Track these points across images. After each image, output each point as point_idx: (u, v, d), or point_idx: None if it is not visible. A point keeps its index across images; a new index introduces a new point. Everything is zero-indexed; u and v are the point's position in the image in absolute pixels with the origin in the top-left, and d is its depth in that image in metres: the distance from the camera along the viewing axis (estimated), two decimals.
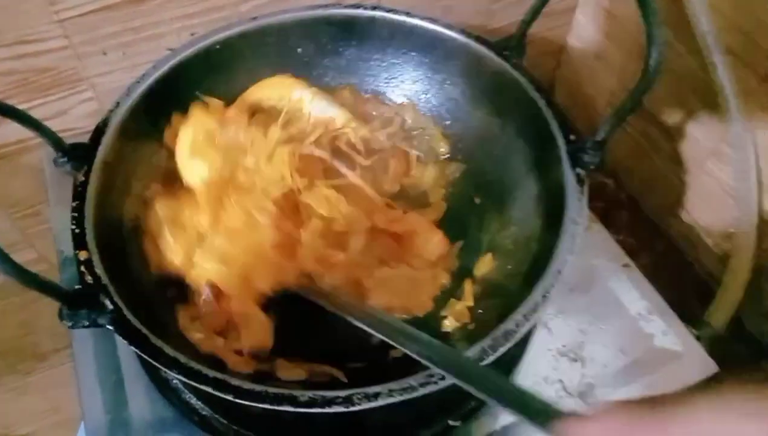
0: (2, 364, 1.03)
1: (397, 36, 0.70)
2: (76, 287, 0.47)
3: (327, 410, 0.43)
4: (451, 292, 0.61)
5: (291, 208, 0.59)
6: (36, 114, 0.53)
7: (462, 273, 0.62)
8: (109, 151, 0.56)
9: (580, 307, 0.66)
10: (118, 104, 0.59)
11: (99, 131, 0.57)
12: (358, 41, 0.71)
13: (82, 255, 0.49)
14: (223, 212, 0.56)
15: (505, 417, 0.58)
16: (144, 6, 0.70)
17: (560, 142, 0.57)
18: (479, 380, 0.42)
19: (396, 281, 0.60)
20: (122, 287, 0.48)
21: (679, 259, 0.91)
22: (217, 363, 0.49)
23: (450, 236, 0.64)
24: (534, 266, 0.53)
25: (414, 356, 0.46)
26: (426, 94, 0.72)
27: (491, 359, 0.46)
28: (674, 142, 0.85)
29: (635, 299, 0.67)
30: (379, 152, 0.68)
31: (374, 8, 0.69)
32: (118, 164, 0.57)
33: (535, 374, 0.62)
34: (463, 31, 0.67)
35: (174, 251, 0.55)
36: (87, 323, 0.45)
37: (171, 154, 0.60)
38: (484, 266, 0.62)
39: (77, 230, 0.50)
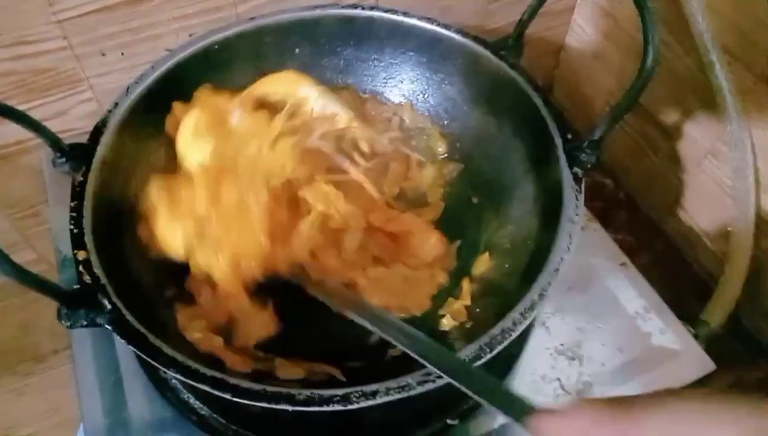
0: (2, 365, 1.04)
1: (395, 36, 0.70)
2: (75, 286, 0.47)
3: (325, 408, 0.43)
4: (449, 291, 0.61)
5: (289, 198, 0.59)
6: (35, 115, 0.54)
7: (460, 272, 0.63)
8: (108, 151, 0.56)
9: (578, 306, 0.66)
10: (116, 105, 0.59)
11: (98, 131, 0.57)
12: (356, 41, 0.71)
13: (81, 255, 0.49)
14: (220, 195, 0.56)
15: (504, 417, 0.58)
16: (142, 7, 0.70)
17: (557, 141, 0.58)
18: (454, 368, 0.43)
19: (392, 280, 0.60)
20: (120, 286, 0.48)
21: (677, 258, 0.91)
22: (216, 362, 0.49)
23: (448, 235, 0.65)
24: (531, 265, 0.54)
25: (395, 343, 0.47)
26: (424, 94, 0.73)
27: (488, 357, 0.46)
28: (672, 141, 0.86)
29: (633, 297, 0.67)
30: (381, 155, 0.68)
31: (372, 8, 0.69)
32: (116, 164, 0.57)
33: (532, 372, 0.62)
34: (460, 31, 0.67)
35: (169, 233, 0.55)
36: (85, 323, 0.45)
37: (170, 149, 0.60)
38: (482, 265, 0.62)
39: (76, 230, 0.50)
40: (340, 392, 0.43)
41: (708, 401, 0.32)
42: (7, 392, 1.08)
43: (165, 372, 0.54)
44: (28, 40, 0.67)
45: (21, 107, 0.52)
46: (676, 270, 0.90)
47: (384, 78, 0.73)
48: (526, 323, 0.47)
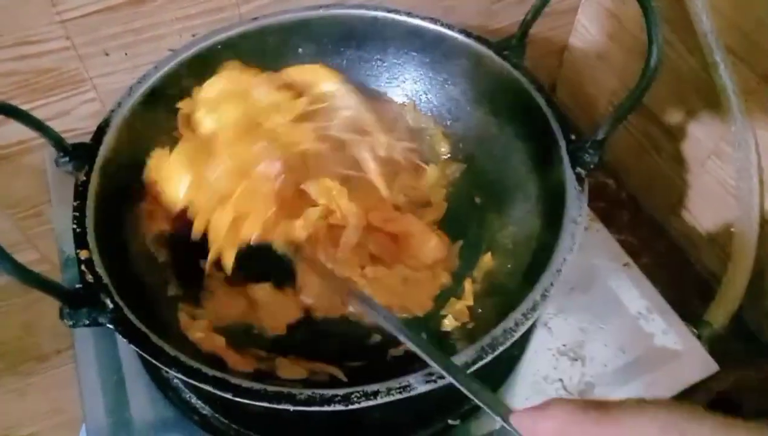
0: (4, 365, 1.04)
1: (398, 36, 0.70)
2: (77, 286, 0.47)
3: (326, 408, 0.43)
4: (451, 291, 0.61)
5: (301, 175, 0.59)
6: (38, 115, 0.54)
7: (462, 272, 0.62)
8: (111, 151, 0.57)
9: (581, 306, 0.66)
10: (120, 104, 0.59)
11: (101, 131, 0.57)
12: (359, 41, 0.71)
13: (83, 254, 0.49)
14: (236, 154, 0.56)
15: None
16: (145, 7, 0.70)
17: (560, 141, 0.57)
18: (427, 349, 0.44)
19: (392, 280, 0.60)
20: (123, 286, 0.48)
21: (680, 258, 0.91)
22: (218, 362, 0.49)
23: (450, 235, 0.65)
24: (534, 265, 0.53)
25: (385, 326, 0.48)
26: (427, 94, 0.73)
27: (490, 357, 0.46)
28: (675, 141, 0.85)
29: (635, 298, 0.67)
30: (394, 163, 0.67)
31: (376, 8, 0.69)
32: (119, 164, 0.57)
33: (535, 373, 0.62)
34: (464, 32, 0.67)
35: (177, 176, 0.55)
36: (87, 322, 0.45)
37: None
38: (484, 265, 0.62)
39: (78, 230, 0.50)
40: (341, 392, 0.43)
41: (685, 411, 0.32)
42: (9, 391, 1.08)
43: (167, 372, 0.54)
44: (31, 40, 0.67)
45: (24, 107, 0.52)
46: (678, 270, 0.89)
47: (387, 78, 0.73)
48: (529, 323, 0.47)
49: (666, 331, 0.64)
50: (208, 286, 0.60)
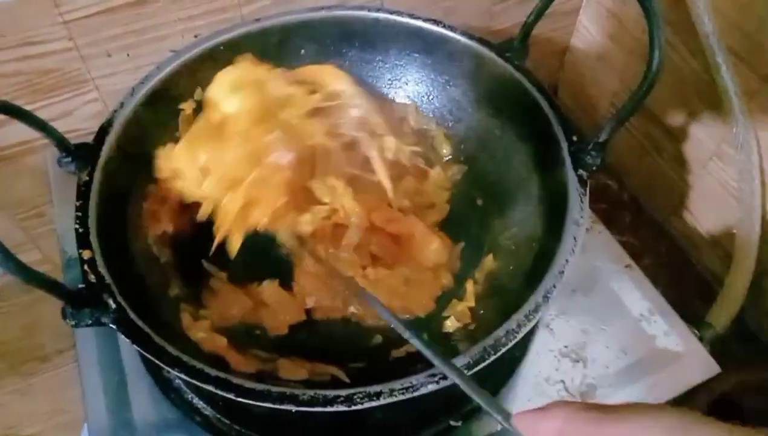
0: (5, 365, 1.04)
1: (400, 38, 0.70)
2: (80, 286, 0.47)
3: (329, 409, 0.43)
4: (453, 292, 0.61)
5: (310, 164, 0.59)
6: (40, 115, 0.54)
7: (464, 274, 0.63)
8: (114, 151, 0.57)
9: (582, 308, 0.66)
10: (122, 105, 0.59)
11: (103, 131, 0.57)
12: (361, 43, 0.71)
13: (86, 254, 0.49)
14: (250, 140, 0.55)
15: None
16: (148, 8, 0.70)
17: (562, 143, 0.58)
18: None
19: (394, 281, 0.60)
20: (125, 286, 0.49)
21: (682, 259, 0.91)
22: (220, 362, 0.49)
23: (452, 236, 0.65)
24: (536, 267, 0.54)
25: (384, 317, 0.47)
26: (429, 95, 0.73)
27: (492, 359, 0.46)
28: (677, 143, 0.85)
29: (637, 299, 0.67)
30: (400, 166, 0.67)
31: (378, 10, 0.69)
32: (122, 164, 0.57)
33: (536, 374, 0.62)
34: (466, 33, 0.67)
35: (191, 156, 0.55)
36: (90, 322, 0.45)
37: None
38: (486, 266, 0.62)
39: (81, 230, 0.51)
40: (343, 392, 0.43)
41: (687, 414, 0.32)
42: (11, 392, 1.08)
43: (169, 372, 0.54)
44: (34, 41, 0.67)
45: (27, 108, 0.52)
46: (680, 272, 0.89)
47: (389, 79, 0.73)
48: (531, 325, 0.47)
49: (668, 332, 0.64)
50: (211, 285, 0.60)
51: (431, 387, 0.44)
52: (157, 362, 0.45)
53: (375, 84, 0.73)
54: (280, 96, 0.58)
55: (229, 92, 0.56)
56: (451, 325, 0.58)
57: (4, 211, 0.81)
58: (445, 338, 0.57)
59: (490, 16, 0.92)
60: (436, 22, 0.68)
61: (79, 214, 0.52)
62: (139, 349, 0.45)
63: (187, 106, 0.64)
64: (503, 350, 0.46)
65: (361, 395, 0.43)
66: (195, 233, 0.62)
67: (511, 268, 0.60)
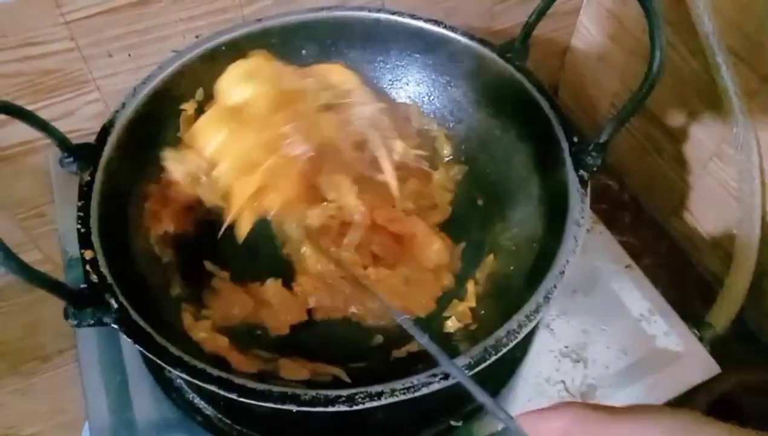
0: (6, 365, 1.04)
1: (401, 38, 0.70)
2: (82, 286, 0.47)
3: (330, 409, 0.43)
4: (454, 293, 0.61)
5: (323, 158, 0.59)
6: (42, 115, 0.53)
7: (465, 274, 0.63)
8: (115, 151, 0.57)
9: (583, 308, 0.66)
10: (124, 105, 0.59)
11: (105, 132, 0.57)
12: (362, 43, 0.71)
13: (88, 254, 0.49)
14: (268, 126, 0.55)
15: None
16: (149, 8, 0.70)
17: (563, 144, 0.58)
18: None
19: (394, 281, 0.60)
20: (127, 286, 0.49)
21: (682, 260, 0.91)
22: (221, 362, 0.49)
23: (453, 236, 0.65)
24: (536, 267, 0.54)
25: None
26: (429, 96, 0.73)
27: (493, 359, 0.46)
28: (677, 143, 0.86)
29: (637, 299, 0.67)
30: (405, 168, 0.67)
31: (379, 10, 0.69)
32: (123, 164, 0.57)
33: (537, 374, 0.62)
34: (467, 34, 0.67)
35: (211, 130, 0.55)
36: (92, 322, 0.45)
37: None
38: (487, 267, 0.62)
39: (83, 230, 0.51)
40: (345, 392, 0.43)
41: (689, 415, 0.32)
42: (12, 391, 1.08)
43: (171, 372, 0.54)
44: (36, 41, 0.67)
45: (28, 108, 0.52)
46: (680, 272, 0.90)
47: (390, 80, 0.73)
48: (532, 325, 0.47)
49: (668, 333, 0.64)
50: (213, 285, 0.60)
51: (433, 387, 0.44)
52: (159, 362, 0.45)
53: (376, 84, 0.73)
54: (292, 89, 0.58)
55: (241, 82, 0.56)
56: (451, 325, 0.58)
57: (5, 211, 0.81)
58: (446, 338, 0.57)
59: (490, 16, 0.92)
60: (437, 22, 0.68)
61: (81, 214, 0.52)
62: (140, 349, 0.45)
63: (188, 107, 0.64)
64: (504, 350, 0.46)
65: (362, 395, 0.43)
66: (197, 233, 0.62)
67: (511, 268, 0.60)
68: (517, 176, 0.64)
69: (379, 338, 0.59)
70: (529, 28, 0.64)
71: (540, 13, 0.63)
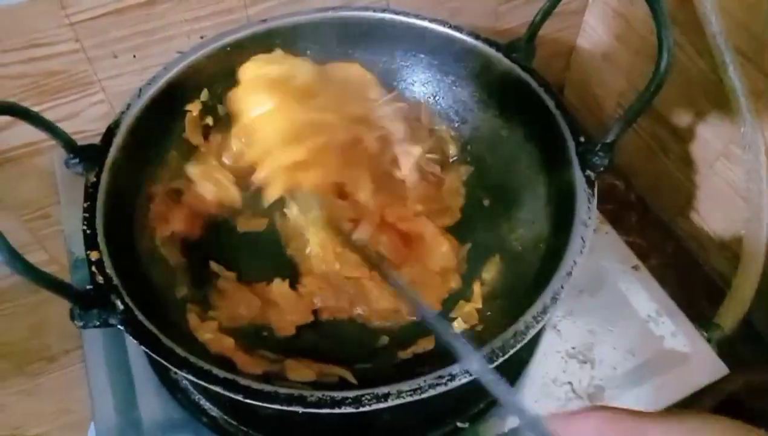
0: (12, 365, 1.04)
1: (406, 38, 0.70)
2: (88, 287, 0.47)
3: (336, 410, 0.43)
4: (460, 294, 0.61)
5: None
6: (47, 117, 0.54)
7: (471, 275, 0.62)
8: (121, 152, 0.57)
9: (590, 309, 0.66)
10: (129, 106, 0.59)
11: (110, 133, 0.57)
12: (367, 43, 0.71)
13: (93, 255, 0.49)
14: (303, 109, 0.56)
15: (514, 419, 0.58)
16: (154, 9, 0.70)
17: (570, 144, 0.57)
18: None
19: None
20: (133, 287, 0.49)
21: (689, 260, 0.90)
22: (227, 363, 0.49)
23: (459, 237, 0.64)
24: (543, 268, 0.53)
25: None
26: (435, 96, 0.73)
27: (500, 360, 0.46)
28: (684, 143, 0.85)
29: (645, 300, 0.66)
30: (420, 173, 0.67)
31: (383, 10, 0.69)
32: (129, 165, 0.57)
33: (544, 375, 0.61)
34: (472, 34, 0.67)
35: (260, 99, 0.56)
36: (98, 323, 0.45)
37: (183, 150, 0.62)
38: (493, 267, 0.62)
39: (88, 231, 0.51)
40: (351, 394, 0.43)
41: (712, 419, 0.32)
42: (18, 392, 1.09)
43: (176, 373, 0.54)
44: (41, 42, 0.67)
45: (33, 109, 0.52)
46: (687, 273, 0.89)
47: (395, 80, 0.73)
48: (539, 326, 0.47)
49: (675, 333, 0.64)
50: (218, 286, 0.60)
51: (439, 389, 0.44)
52: (164, 363, 0.45)
53: (381, 85, 0.73)
54: (316, 83, 0.58)
55: (266, 66, 0.57)
56: (458, 326, 0.58)
57: (11, 212, 0.82)
58: None
59: (496, 16, 0.92)
60: (442, 22, 0.68)
61: (87, 215, 0.52)
62: (146, 350, 0.45)
63: (193, 108, 0.64)
64: (511, 351, 0.46)
65: (369, 397, 0.43)
66: (203, 234, 0.62)
67: (518, 269, 0.59)
68: (524, 177, 0.63)
69: (384, 339, 0.59)
70: (534, 27, 0.64)
71: (546, 13, 0.63)
